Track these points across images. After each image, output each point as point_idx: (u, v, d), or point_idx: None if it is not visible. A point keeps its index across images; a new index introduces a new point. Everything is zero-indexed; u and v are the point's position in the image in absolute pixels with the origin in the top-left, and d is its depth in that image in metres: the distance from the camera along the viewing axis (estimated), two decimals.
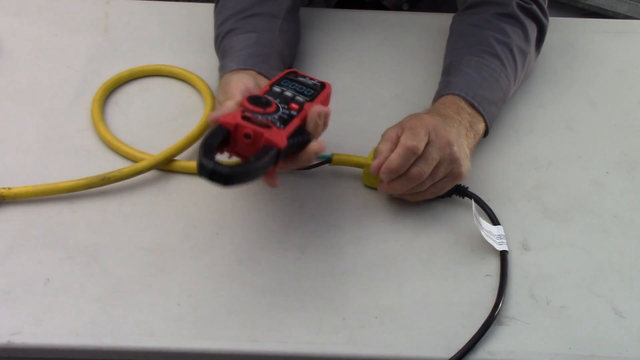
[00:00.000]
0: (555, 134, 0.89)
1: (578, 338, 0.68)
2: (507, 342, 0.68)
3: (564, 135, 0.89)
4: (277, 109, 0.67)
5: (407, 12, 1.12)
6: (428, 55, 0.96)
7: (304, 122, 0.68)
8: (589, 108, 0.93)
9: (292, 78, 0.73)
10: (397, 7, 1.13)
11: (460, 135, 0.76)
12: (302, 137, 0.67)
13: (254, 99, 0.67)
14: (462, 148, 0.76)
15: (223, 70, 0.81)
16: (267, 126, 0.64)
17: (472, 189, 0.78)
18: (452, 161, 0.74)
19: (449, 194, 0.78)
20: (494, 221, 0.76)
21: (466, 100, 0.81)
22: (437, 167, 0.74)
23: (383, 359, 0.67)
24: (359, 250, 0.75)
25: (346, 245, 0.75)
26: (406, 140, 0.72)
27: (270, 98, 0.69)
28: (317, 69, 0.95)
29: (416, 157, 0.73)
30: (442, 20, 0.97)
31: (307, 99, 0.70)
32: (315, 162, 0.77)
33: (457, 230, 0.76)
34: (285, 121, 0.66)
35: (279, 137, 0.64)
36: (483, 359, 0.67)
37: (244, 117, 0.65)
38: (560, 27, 1.04)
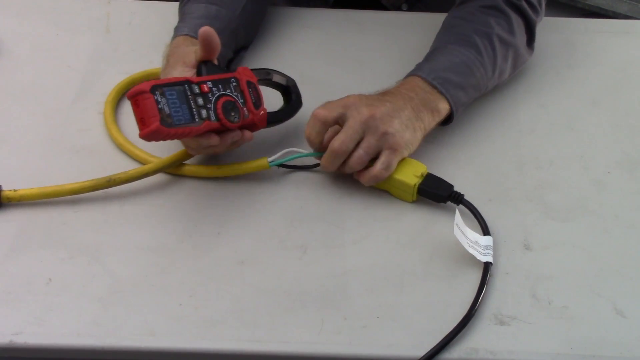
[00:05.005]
0: (556, 133, 0.89)
1: (580, 338, 0.68)
2: (509, 342, 0.68)
3: (565, 135, 0.89)
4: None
5: (407, 12, 1.12)
6: None
7: None
8: (590, 108, 0.93)
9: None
10: (397, 7, 1.13)
11: (399, 109, 0.78)
12: None
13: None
14: (396, 120, 0.77)
15: (176, 32, 0.86)
16: None
17: (472, 188, 0.78)
18: (382, 134, 0.76)
19: (443, 200, 0.78)
20: (485, 231, 0.75)
21: (426, 81, 0.83)
22: (366, 141, 0.76)
23: (385, 358, 0.67)
24: (360, 250, 0.75)
25: (348, 245, 0.75)
26: (315, 111, 0.78)
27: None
28: (317, 69, 0.95)
29: (324, 125, 0.77)
30: (441, 20, 0.97)
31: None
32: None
33: None
34: None
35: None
36: (485, 358, 0.67)
37: None
38: (560, 27, 1.04)
